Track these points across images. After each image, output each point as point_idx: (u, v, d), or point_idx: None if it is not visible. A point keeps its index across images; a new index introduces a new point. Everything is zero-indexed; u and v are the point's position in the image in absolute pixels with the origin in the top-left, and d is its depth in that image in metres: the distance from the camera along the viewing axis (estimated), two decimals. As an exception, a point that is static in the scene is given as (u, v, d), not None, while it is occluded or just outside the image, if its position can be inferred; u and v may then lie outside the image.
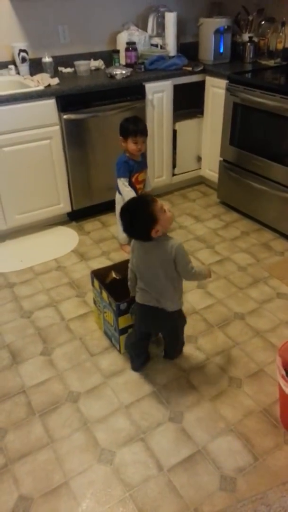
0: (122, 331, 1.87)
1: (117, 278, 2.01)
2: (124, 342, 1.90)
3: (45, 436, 1.60)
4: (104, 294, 1.88)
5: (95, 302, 2.05)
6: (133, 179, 2.42)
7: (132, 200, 1.62)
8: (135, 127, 2.27)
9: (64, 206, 2.84)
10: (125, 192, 2.39)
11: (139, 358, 1.85)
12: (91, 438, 1.59)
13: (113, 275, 2.03)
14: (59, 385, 1.79)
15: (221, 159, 3.01)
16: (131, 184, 2.41)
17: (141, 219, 1.50)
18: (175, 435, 1.59)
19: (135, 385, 1.79)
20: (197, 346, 1.97)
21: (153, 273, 1.61)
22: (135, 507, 1.39)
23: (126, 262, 1.95)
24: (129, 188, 2.38)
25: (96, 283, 1.94)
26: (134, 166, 2.38)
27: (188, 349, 1.95)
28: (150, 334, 1.85)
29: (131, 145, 2.31)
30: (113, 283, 1.99)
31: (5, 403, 1.72)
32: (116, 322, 1.84)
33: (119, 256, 2.60)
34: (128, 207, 1.56)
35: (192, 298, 2.26)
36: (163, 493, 1.42)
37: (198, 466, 1.49)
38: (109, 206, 2.68)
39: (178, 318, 1.76)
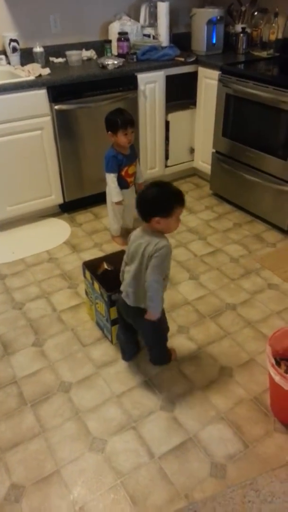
0: (114, 322, 1.87)
1: (109, 269, 1.99)
2: (115, 333, 1.90)
3: (37, 425, 1.60)
4: (96, 285, 1.88)
5: (87, 293, 2.05)
6: (123, 173, 2.41)
7: (170, 184, 1.53)
8: (124, 119, 2.25)
9: (56, 198, 2.83)
10: (111, 189, 2.40)
11: (128, 349, 1.86)
12: (82, 427, 1.59)
13: (105, 266, 2.02)
14: (51, 376, 1.80)
15: (214, 150, 3.01)
16: (121, 178, 2.40)
17: (158, 198, 1.45)
18: (166, 423, 1.60)
19: (126, 375, 1.80)
20: (189, 337, 1.98)
21: (133, 259, 1.56)
22: (126, 494, 1.40)
23: (118, 253, 1.95)
24: (115, 185, 2.38)
25: (88, 274, 1.94)
26: (123, 160, 2.37)
27: (180, 339, 1.96)
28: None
29: (121, 138, 2.29)
30: (105, 274, 1.98)
31: (-3, 393, 1.73)
32: (108, 312, 1.84)
33: (111, 248, 2.59)
34: (163, 184, 1.51)
35: (184, 289, 2.27)
36: (154, 480, 1.43)
37: (189, 454, 1.50)
38: (101, 198, 2.67)
39: (142, 318, 1.60)
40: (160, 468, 1.47)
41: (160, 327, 1.73)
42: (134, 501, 1.38)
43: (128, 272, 1.60)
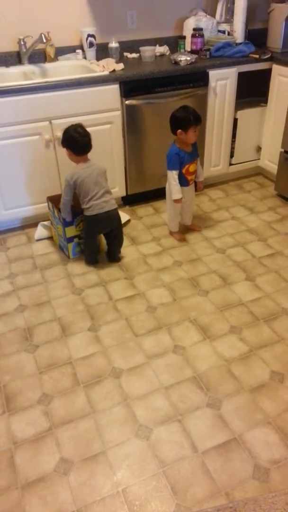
0: (69, 240, 2.42)
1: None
2: (71, 249, 2.48)
3: (88, 406, 1.69)
4: (56, 212, 2.39)
5: (52, 223, 2.58)
6: (184, 171, 2.42)
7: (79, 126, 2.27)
8: (196, 115, 2.28)
9: (119, 190, 2.91)
10: (172, 186, 2.42)
11: (95, 253, 2.48)
12: (130, 413, 1.65)
13: None
14: (104, 360, 1.88)
15: (283, 150, 2.93)
16: (182, 175, 2.42)
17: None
18: (212, 420, 1.62)
19: (176, 368, 1.83)
20: (240, 338, 1.97)
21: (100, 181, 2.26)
22: (168, 483, 1.44)
23: None
24: (176, 183, 2.41)
25: (50, 204, 2.45)
26: (185, 157, 2.38)
27: (231, 339, 1.96)
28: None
29: (191, 135, 2.32)
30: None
31: (53, 371, 1.83)
32: (64, 232, 2.37)
33: (169, 243, 2.63)
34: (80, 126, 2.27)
35: (240, 290, 2.25)
36: (195, 474, 1.46)
37: (232, 453, 1.51)
38: (162, 193, 2.70)
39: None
40: (202, 463, 1.49)
41: (84, 231, 2.39)
42: (175, 491, 1.42)
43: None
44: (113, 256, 2.49)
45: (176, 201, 2.46)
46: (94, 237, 2.41)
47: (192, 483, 1.44)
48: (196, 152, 2.46)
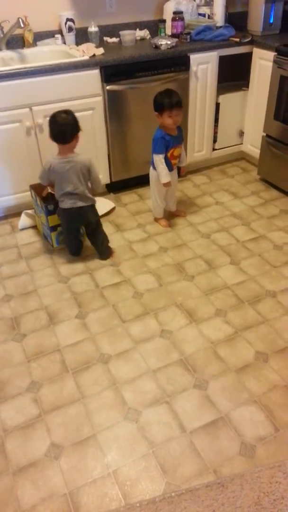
0: (53, 229, 2.38)
1: (53, 192, 2.34)
2: (55, 238, 2.44)
3: (77, 392, 1.71)
4: (39, 200, 2.34)
5: (35, 212, 2.55)
6: (169, 155, 2.42)
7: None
8: (169, 100, 2.25)
9: (103, 178, 2.88)
10: (160, 169, 2.41)
11: (74, 245, 2.42)
12: (119, 397, 1.68)
13: (49, 189, 2.38)
14: (92, 347, 1.89)
15: (264, 134, 2.94)
16: (167, 159, 2.42)
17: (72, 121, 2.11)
18: (199, 401, 1.66)
19: (163, 351, 1.86)
20: (226, 320, 2.00)
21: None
22: (157, 463, 1.47)
23: None
24: (164, 166, 2.40)
25: (33, 193, 2.40)
26: (171, 141, 2.38)
27: (217, 322, 1.99)
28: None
29: (166, 119, 2.30)
30: (49, 196, 2.38)
31: (41, 359, 1.84)
32: (47, 220, 2.33)
33: (154, 229, 2.64)
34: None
35: (225, 273, 2.28)
36: (184, 453, 1.50)
37: (219, 432, 1.55)
38: (146, 179, 2.69)
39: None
40: (190, 442, 1.53)
41: (61, 222, 2.35)
42: (164, 470, 1.45)
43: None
44: (99, 254, 2.42)
45: (165, 184, 2.46)
46: (69, 230, 2.34)
47: (181, 462, 1.47)
48: (181, 137, 2.46)
